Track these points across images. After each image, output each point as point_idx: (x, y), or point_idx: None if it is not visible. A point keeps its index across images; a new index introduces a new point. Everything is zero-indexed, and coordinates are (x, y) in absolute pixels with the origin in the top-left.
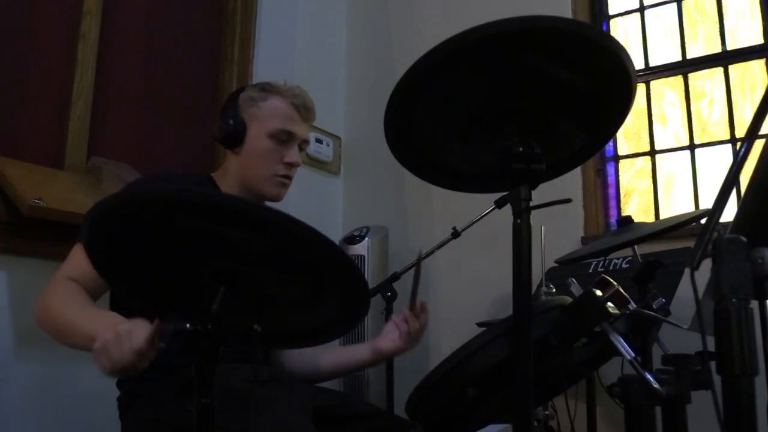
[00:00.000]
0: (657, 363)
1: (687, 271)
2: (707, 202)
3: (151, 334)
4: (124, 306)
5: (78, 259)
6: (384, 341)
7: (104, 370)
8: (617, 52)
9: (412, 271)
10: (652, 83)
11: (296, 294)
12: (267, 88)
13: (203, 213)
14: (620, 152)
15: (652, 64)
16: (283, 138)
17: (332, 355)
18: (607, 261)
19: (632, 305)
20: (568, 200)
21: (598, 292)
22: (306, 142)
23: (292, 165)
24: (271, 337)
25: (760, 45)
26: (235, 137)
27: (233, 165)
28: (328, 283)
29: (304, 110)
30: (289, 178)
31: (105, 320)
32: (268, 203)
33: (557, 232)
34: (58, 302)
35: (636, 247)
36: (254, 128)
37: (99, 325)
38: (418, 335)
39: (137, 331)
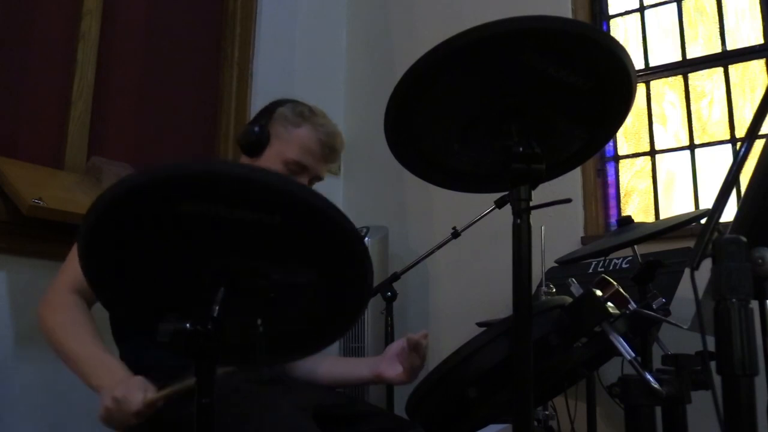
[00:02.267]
0: (657, 363)
1: (687, 271)
2: (707, 202)
3: (149, 400)
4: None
5: (77, 266)
6: (387, 368)
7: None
8: (617, 52)
9: (412, 271)
10: (652, 83)
11: (297, 284)
12: (305, 115)
13: (212, 186)
14: (620, 152)
15: (652, 64)
16: (295, 169)
17: (332, 365)
18: (607, 261)
19: (632, 305)
20: (568, 200)
21: (598, 292)
22: (318, 178)
23: None
24: (271, 343)
25: (760, 45)
26: (255, 147)
27: None
28: (330, 267)
29: (329, 151)
30: None
31: (107, 373)
32: None
33: (557, 232)
34: (61, 325)
35: (636, 247)
36: (274, 146)
37: (102, 379)
38: (416, 370)
39: (132, 397)
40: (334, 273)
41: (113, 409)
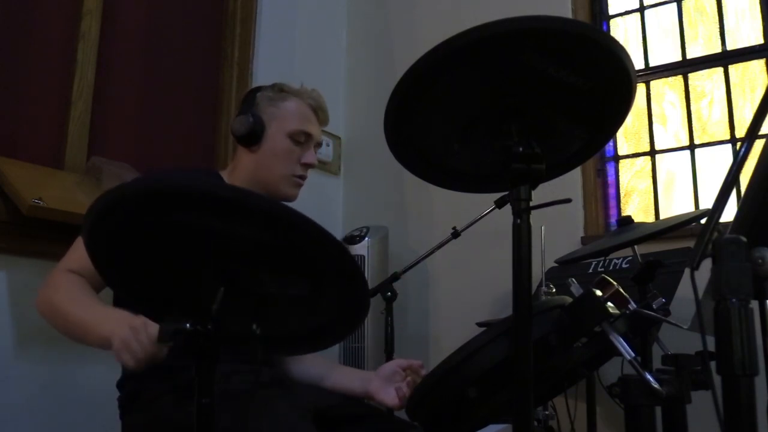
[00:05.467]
0: (657, 363)
1: (687, 271)
2: (707, 202)
3: None
4: (126, 307)
5: (80, 251)
6: (379, 390)
7: (128, 364)
8: (617, 52)
9: (412, 271)
10: (652, 83)
11: (296, 292)
12: (285, 89)
13: (205, 206)
14: (620, 152)
15: (652, 64)
16: (301, 139)
17: (324, 371)
18: (607, 261)
19: (632, 305)
20: (568, 200)
21: (598, 292)
22: (319, 144)
23: (309, 166)
24: (271, 341)
25: (760, 45)
26: (253, 136)
27: (246, 163)
28: (328, 282)
29: (321, 112)
30: (304, 178)
31: (117, 318)
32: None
33: (557, 232)
34: (64, 297)
35: (636, 247)
36: (273, 127)
37: (112, 325)
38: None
39: (151, 323)
40: (327, 286)
41: (129, 338)
